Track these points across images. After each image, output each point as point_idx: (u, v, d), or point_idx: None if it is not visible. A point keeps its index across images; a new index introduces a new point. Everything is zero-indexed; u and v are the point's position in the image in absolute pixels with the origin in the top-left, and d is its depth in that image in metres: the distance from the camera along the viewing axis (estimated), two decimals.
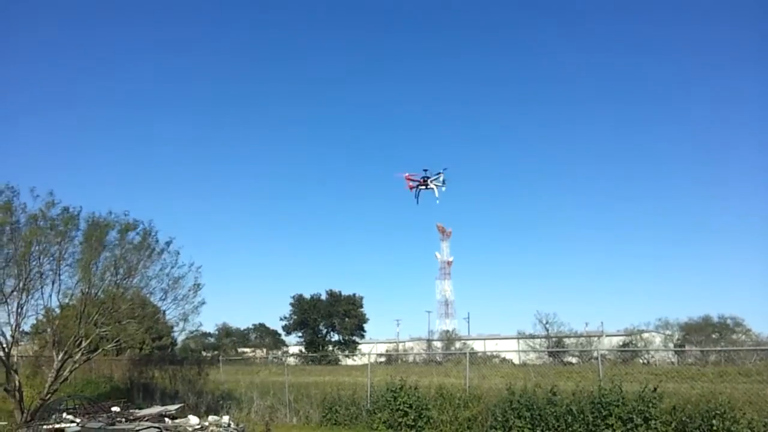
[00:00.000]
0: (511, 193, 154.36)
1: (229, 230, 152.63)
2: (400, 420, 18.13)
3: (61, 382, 19.58)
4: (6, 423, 17.99)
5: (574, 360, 48.33)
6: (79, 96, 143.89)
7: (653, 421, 13.97)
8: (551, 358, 48.58)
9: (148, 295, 20.90)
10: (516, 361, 48.59)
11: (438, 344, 79.80)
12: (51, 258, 18.36)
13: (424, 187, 45.54)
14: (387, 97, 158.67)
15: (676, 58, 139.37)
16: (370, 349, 48.49)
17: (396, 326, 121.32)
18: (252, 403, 22.49)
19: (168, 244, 20.45)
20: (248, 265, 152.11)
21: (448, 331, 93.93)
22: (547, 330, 61.21)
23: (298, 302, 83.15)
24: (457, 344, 74.69)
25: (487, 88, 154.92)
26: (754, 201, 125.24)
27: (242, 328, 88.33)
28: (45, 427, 16.78)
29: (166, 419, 17.71)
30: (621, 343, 59.12)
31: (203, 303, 21.06)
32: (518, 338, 66.49)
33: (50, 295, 18.72)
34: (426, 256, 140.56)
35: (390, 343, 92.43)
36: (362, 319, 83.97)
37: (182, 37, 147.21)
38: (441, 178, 45.77)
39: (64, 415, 18.46)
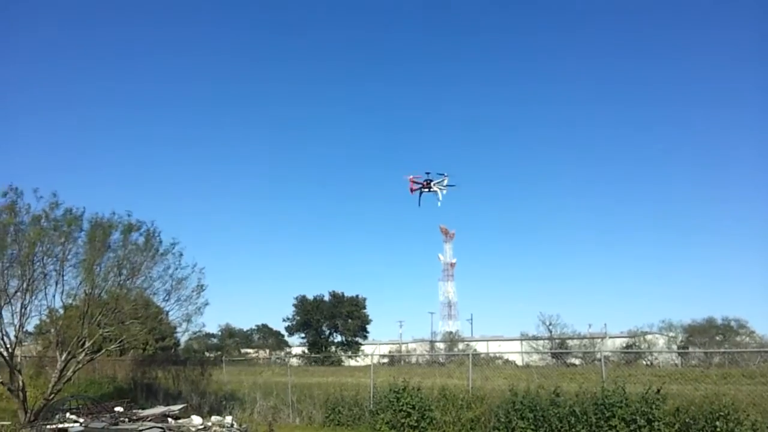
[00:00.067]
0: (514, 195, 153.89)
1: (232, 231, 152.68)
2: (403, 421, 18.11)
3: (64, 383, 19.64)
4: (10, 423, 18.02)
5: (577, 361, 48.26)
6: (79, 96, 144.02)
7: (656, 423, 13.94)
8: (554, 360, 48.49)
9: (151, 296, 20.97)
10: (519, 363, 48.57)
11: (441, 345, 79.73)
12: (54, 259, 18.42)
13: (427, 189, 45.41)
14: (387, 98, 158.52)
15: (676, 59, 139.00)
16: (373, 350, 48.52)
17: (399, 327, 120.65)
18: (255, 404, 22.50)
19: (173, 245, 20.53)
20: (251, 266, 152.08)
21: (451, 333, 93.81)
22: (550, 331, 61.17)
23: (301, 303, 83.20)
24: (460, 345, 74.63)
25: (488, 89, 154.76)
26: (757, 203, 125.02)
27: (245, 329, 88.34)
28: (48, 426, 16.85)
29: (170, 419, 17.77)
30: (624, 345, 59.02)
31: (206, 304, 21.12)
32: (521, 340, 66.40)
33: (54, 296, 18.82)
34: (429, 257, 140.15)
35: (393, 344, 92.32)
36: (365, 321, 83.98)
37: (182, 37, 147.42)
38: (445, 182, 45.68)
39: (68, 415, 18.53)
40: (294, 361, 54.84)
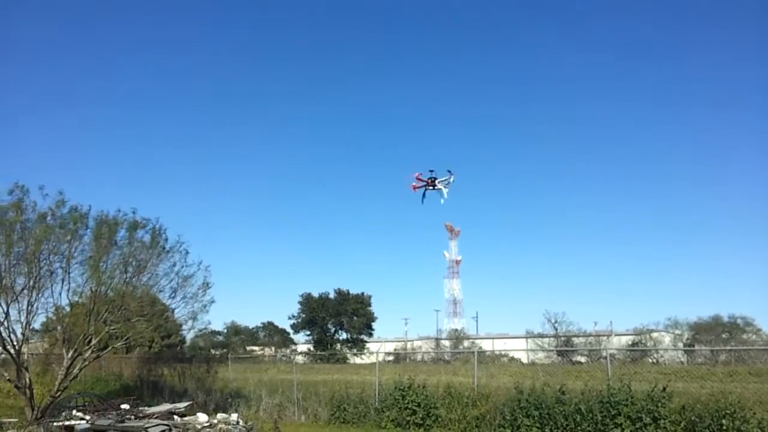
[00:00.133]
0: (518, 193, 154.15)
1: (238, 230, 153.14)
2: (408, 418, 18.13)
3: (71, 380, 19.69)
4: (17, 420, 18.09)
5: (582, 359, 48.21)
6: (79, 96, 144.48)
7: (662, 421, 13.91)
8: (560, 358, 48.46)
9: (157, 294, 21.00)
10: (524, 361, 48.52)
11: (446, 343, 79.81)
12: (61, 256, 18.46)
13: (431, 188, 45.27)
14: (387, 96, 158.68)
15: (676, 59, 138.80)
16: (379, 347, 48.52)
17: (404, 325, 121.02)
18: (261, 401, 22.54)
19: (179, 243, 20.56)
20: (257, 264, 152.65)
21: (456, 330, 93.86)
22: (556, 329, 61.05)
23: (307, 301, 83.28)
24: (466, 343, 74.65)
25: (488, 87, 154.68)
26: (761, 200, 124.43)
27: (251, 327, 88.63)
28: (55, 424, 16.91)
29: (175, 417, 17.81)
30: (630, 343, 58.94)
31: (212, 302, 21.15)
32: (527, 337, 66.40)
33: (60, 293, 18.85)
34: (434, 255, 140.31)
35: (398, 341, 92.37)
36: (370, 318, 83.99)
37: (183, 37, 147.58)
38: (451, 179, 45.52)
39: (74, 412, 18.59)
40: (299, 358, 55.09)
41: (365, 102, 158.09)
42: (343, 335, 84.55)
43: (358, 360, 72.93)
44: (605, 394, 14.91)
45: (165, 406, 19.42)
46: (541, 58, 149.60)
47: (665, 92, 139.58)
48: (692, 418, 13.81)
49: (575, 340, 60.11)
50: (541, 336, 61.20)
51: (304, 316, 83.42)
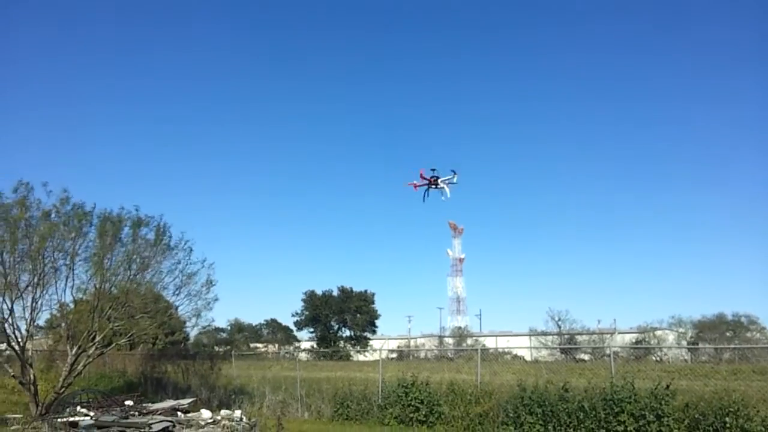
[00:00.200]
0: (521, 191, 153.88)
1: (241, 227, 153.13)
2: (411, 415, 18.15)
3: (75, 376, 19.77)
4: (21, 416, 18.16)
5: (586, 357, 48.03)
6: (80, 93, 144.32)
7: (666, 419, 13.88)
8: (563, 355, 48.36)
9: (161, 291, 21.06)
10: (528, 358, 48.43)
11: (449, 341, 79.77)
12: (65, 253, 18.53)
13: (434, 186, 45.19)
14: (388, 96, 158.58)
15: (676, 58, 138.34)
16: (382, 345, 48.51)
17: (408, 322, 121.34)
18: (264, 398, 22.59)
19: (185, 242, 20.61)
20: (261, 262, 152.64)
21: (459, 328, 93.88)
22: (559, 327, 60.92)
23: (310, 298, 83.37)
24: (469, 341, 74.55)
25: (488, 86, 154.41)
26: (763, 199, 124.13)
27: (254, 324, 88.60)
28: (59, 420, 16.97)
29: (179, 413, 17.88)
30: (634, 341, 58.83)
31: (216, 299, 21.21)
32: (530, 335, 66.22)
33: (64, 290, 18.96)
34: (437, 253, 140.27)
35: (401, 339, 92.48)
36: (374, 315, 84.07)
37: (184, 36, 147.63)
38: (454, 179, 45.49)
39: (78, 408, 18.69)
40: (303, 355, 55.16)
41: (365, 101, 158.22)
42: (347, 332, 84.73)
43: (361, 357, 72.86)
44: (608, 392, 14.89)
45: (169, 403, 19.48)
46: (541, 58, 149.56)
47: (665, 92, 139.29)
48: (696, 416, 13.78)
49: (578, 337, 59.99)
50: (544, 334, 61.10)
51: (307, 313, 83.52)
